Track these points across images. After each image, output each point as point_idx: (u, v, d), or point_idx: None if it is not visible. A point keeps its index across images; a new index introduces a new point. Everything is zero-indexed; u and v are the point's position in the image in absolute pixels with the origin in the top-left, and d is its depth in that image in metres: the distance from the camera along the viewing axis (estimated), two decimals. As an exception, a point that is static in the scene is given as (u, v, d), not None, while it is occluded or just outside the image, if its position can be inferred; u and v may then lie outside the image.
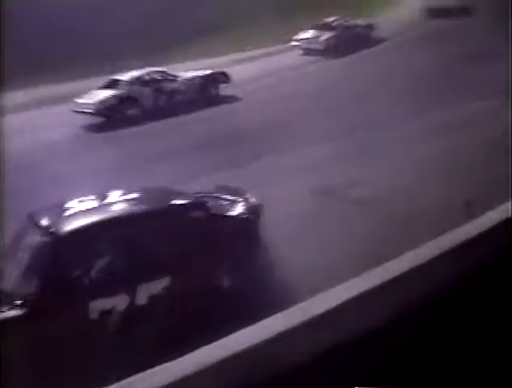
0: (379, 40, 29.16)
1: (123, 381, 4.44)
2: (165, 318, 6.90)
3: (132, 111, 19.90)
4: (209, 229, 7.58)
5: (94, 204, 7.50)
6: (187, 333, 5.91)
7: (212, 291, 7.47)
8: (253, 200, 8.62)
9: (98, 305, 6.58)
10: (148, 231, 7.15)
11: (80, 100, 20.19)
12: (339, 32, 29.03)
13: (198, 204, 7.87)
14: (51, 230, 6.95)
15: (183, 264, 7.24)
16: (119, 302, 6.69)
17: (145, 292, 6.81)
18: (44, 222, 7.16)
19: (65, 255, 6.77)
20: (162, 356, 4.99)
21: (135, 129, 18.61)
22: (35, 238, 7.09)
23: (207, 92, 21.56)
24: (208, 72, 22.27)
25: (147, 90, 20.55)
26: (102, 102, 19.88)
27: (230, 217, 8.12)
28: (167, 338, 6.49)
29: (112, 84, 20.85)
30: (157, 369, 4.66)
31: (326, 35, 28.76)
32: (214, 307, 7.12)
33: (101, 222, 7.12)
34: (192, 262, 7.31)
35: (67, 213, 7.25)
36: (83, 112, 19.79)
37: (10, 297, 6.53)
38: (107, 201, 7.57)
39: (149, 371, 4.63)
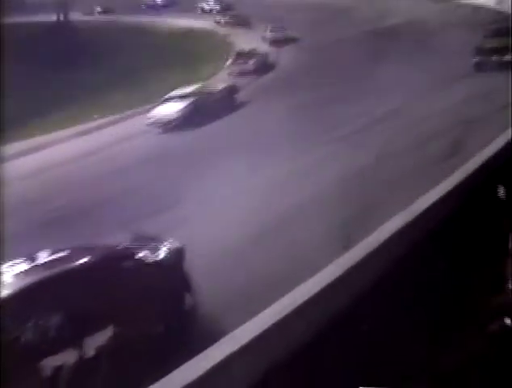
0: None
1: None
2: (112, 367, 7.16)
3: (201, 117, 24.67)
4: (138, 277, 7.94)
5: (25, 266, 7.67)
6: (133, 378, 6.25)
7: (148, 335, 7.77)
8: (174, 243, 8.98)
9: (48, 363, 6.79)
10: (82, 287, 7.36)
11: (152, 114, 26.12)
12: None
13: (124, 255, 8.22)
14: None
15: (120, 313, 7.52)
16: (68, 357, 6.91)
17: (92, 344, 7.07)
18: None
19: (5, 319, 6.88)
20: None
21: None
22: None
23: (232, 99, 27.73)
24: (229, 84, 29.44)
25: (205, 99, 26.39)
26: (180, 111, 25.55)
27: (156, 262, 8.47)
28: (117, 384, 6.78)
29: (177, 98, 26.59)
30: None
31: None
32: (152, 350, 7.46)
33: (35, 284, 7.28)
34: (127, 310, 7.61)
35: (2, 279, 7.40)
36: (161, 123, 25.43)
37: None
38: (37, 262, 7.77)
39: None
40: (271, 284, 8.72)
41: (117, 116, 29.50)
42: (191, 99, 26.19)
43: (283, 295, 6.96)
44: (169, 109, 25.73)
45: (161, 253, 8.71)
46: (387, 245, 7.05)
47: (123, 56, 39.35)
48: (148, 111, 26.99)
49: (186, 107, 25.74)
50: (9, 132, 25.87)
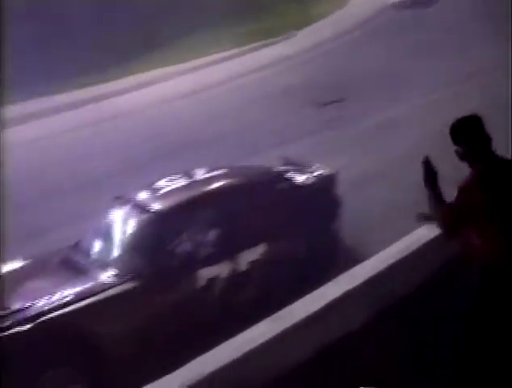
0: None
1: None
2: (261, 283, 7.42)
3: None
4: (292, 199, 8.08)
5: (185, 181, 8.00)
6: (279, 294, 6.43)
7: (295, 255, 7.92)
8: (326, 169, 9.04)
9: (204, 274, 7.13)
10: (238, 204, 7.63)
11: None
12: None
13: (281, 177, 8.38)
14: (153, 208, 7.49)
15: (271, 232, 7.72)
16: (223, 270, 7.23)
17: (245, 259, 7.33)
18: (144, 201, 7.69)
19: (169, 229, 7.29)
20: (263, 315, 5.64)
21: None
22: (135, 217, 7.63)
23: None
24: None
25: None
26: None
27: (307, 186, 8.58)
28: (263, 300, 7.00)
29: None
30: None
31: None
32: (298, 270, 7.61)
33: (199, 197, 7.66)
34: (278, 229, 7.79)
35: (163, 191, 7.76)
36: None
37: (119, 272, 7.10)
38: (195, 178, 8.08)
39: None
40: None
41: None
42: None
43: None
44: None
45: (313, 178, 8.80)
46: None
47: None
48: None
49: None
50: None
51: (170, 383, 5.05)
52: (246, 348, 5.07)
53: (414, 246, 6.41)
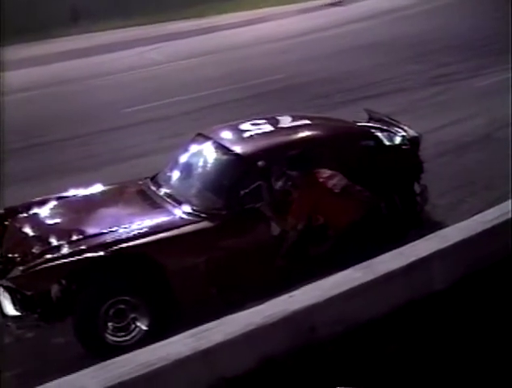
0: None
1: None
2: (337, 239, 7.26)
3: None
4: (376, 158, 7.83)
5: (270, 127, 7.87)
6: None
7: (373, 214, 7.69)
8: (411, 131, 8.75)
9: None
10: (322, 157, 7.38)
11: None
12: None
13: (367, 134, 8.16)
14: (236, 150, 7.41)
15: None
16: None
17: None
18: (227, 142, 7.63)
19: (250, 173, 7.18)
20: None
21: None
22: (217, 157, 7.61)
23: None
24: None
25: None
26: None
27: (393, 146, 8.33)
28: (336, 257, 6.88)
29: None
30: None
31: None
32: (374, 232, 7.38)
33: (283, 146, 7.51)
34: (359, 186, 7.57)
35: (247, 135, 7.67)
36: None
37: (194, 209, 7.13)
38: (280, 126, 7.93)
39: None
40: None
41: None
42: None
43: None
44: None
45: (398, 138, 8.53)
46: None
47: None
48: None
49: None
50: None
51: (229, 325, 5.15)
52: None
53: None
